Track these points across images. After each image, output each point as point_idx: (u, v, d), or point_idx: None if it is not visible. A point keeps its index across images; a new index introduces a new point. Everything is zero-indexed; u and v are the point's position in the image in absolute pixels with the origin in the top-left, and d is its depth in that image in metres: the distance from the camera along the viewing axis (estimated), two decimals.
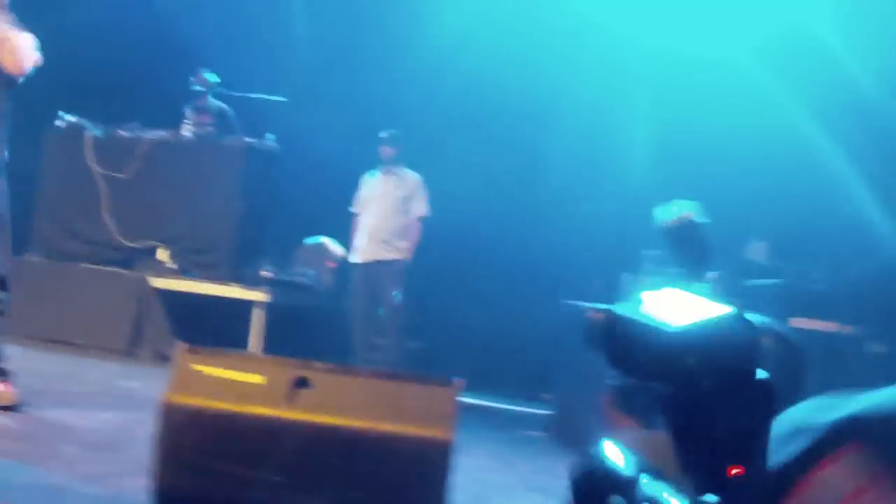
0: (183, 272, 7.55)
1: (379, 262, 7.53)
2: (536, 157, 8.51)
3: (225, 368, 2.75)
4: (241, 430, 2.68)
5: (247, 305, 7.24)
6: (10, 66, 4.44)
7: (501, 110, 8.37)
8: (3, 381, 4.55)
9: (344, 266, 7.81)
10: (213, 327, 7.01)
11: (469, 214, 8.02)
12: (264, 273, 7.40)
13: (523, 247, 8.25)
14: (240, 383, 2.75)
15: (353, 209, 7.78)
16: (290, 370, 2.76)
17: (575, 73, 8.06)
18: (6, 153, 4.75)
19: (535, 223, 8.34)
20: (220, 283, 7.36)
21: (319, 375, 2.79)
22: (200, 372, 2.75)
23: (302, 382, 2.75)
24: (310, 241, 8.10)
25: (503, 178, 8.35)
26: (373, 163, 7.76)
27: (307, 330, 7.36)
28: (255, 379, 2.75)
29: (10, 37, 4.36)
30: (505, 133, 8.53)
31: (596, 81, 8.01)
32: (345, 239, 7.86)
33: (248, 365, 2.81)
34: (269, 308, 7.21)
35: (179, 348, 2.91)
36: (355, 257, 7.66)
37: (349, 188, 7.86)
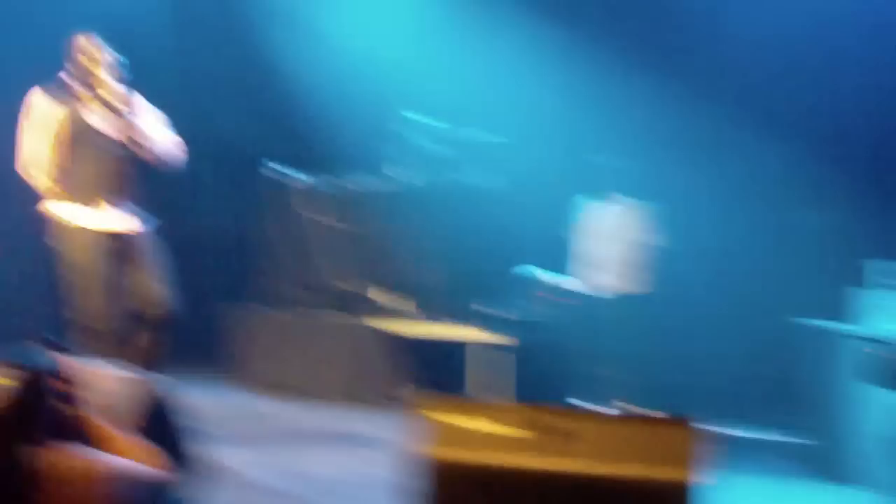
0: (399, 313, 7.64)
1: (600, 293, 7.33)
2: None
3: (478, 418, 2.71)
4: (514, 484, 2.64)
5: (462, 344, 7.23)
6: (144, 155, 4.80)
7: None
8: None
9: (559, 297, 7.67)
10: (430, 367, 7.03)
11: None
12: (480, 309, 7.38)
13: (729, 261, 7.94)
14: (502, 435, 2.70)
15: (569, 236, 7.55)
16: (545, 418, 2.69)
17: None
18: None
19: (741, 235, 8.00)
20: (436, 323, 7.40)
21: (577, 423, 2.71)
22: (456, 424, 2.72)
23: (561, 431, 2.68)
24: (522, 271, 8.02)
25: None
26: (582, 189, 7.53)
27: (527, 367, 7.27)
28: (515, 429, 2.70)
29: (133, 125, 4.72)
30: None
31: None
32: (555, 268, 7.70)
33: (502, 414, 2.75)
34: (487, 346, 7.18)
35: (415, 396, 2.89)
36: (577, 286, 7.45)
37: (556, 215, 7.69)
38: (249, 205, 8.28)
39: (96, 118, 4.77)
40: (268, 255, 8.19)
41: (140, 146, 4.79)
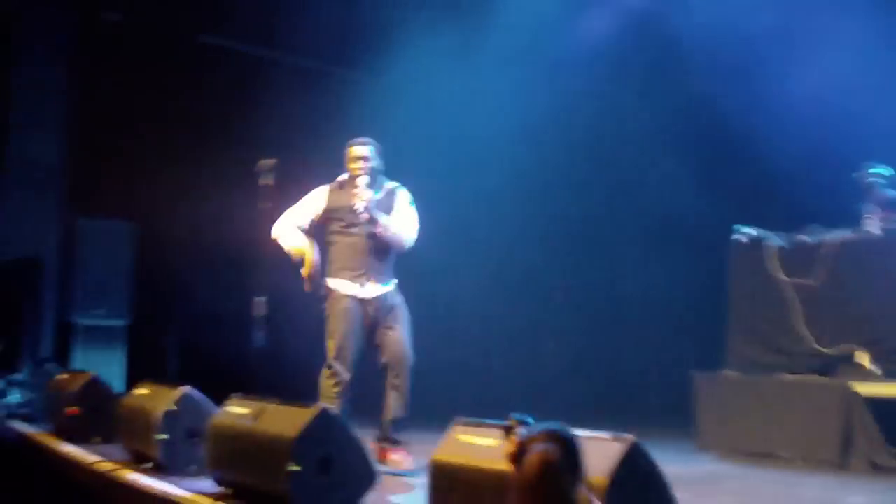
0: (889, 375, 7.09)
1: None
2: None
3: None
4: None
5: None
6: (396, 247, 6.18)
7: None
8: (398, 449, 6.01)
9: None
10: None
11: None
12: None
13: None
14: None
15: None
16: None
17: None
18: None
19: None
20: None
21: None
22: None
23: None
24: None
25: None
26: None
27: None
28: None
29: (388, 225, 6.06)
30: None
31: None
32: None
33: None
34: None
35: None
36: None
37: None
38: (721, 269, 8.17)
39: (354, 210, 6.07)
40: (742, 320, 8.01)
41: (381, 234, 6.08)
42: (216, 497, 4.83)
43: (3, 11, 9.90)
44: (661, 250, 10.43)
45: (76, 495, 6.12)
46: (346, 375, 6.03)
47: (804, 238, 7.76)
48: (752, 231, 8.02)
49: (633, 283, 11.38)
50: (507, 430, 2.72)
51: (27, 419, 8.02)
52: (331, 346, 6.08)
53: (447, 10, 9.57)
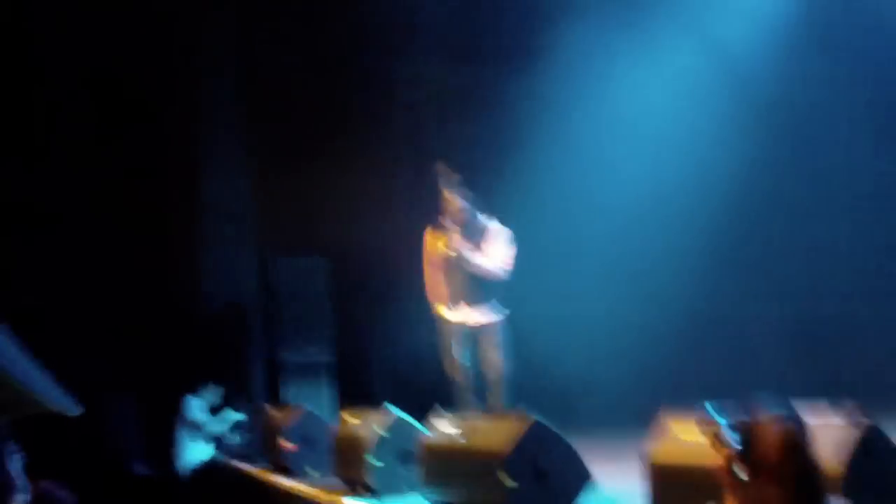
0: None
1: None
2: None
3: None
4: None
5: None
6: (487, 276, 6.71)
7: None
8: None
9: None
10: None
11: None
12: None
13: None
14: None
15: None
16: None
17: None
18: None
19: None
20: None
21: None
22: None
23: None
24: None
25: None
26: None
27: None
28: None
29: (469, 257, 6.66)
30: None
31: None
32: None
33: None
34: None
35: None
36: None
37: None
38: None
39: (452, 245, 6.71)
40: None
41: (470, 267, 6.70)
42: None
43: (181, 59, 10.37)
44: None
45: None
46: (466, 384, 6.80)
47: None
48: None
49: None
50: (706, 422, 2.62)
51: (246, 458, 8.28)
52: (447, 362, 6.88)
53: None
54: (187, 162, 10.50)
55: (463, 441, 4.76)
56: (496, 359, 6.71)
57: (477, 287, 6.74)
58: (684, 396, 3.97)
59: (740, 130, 10.50)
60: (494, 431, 4.60)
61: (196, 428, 9.40)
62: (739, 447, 2.45)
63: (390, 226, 10.38)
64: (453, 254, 6.69)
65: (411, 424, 5.73)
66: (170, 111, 10.42)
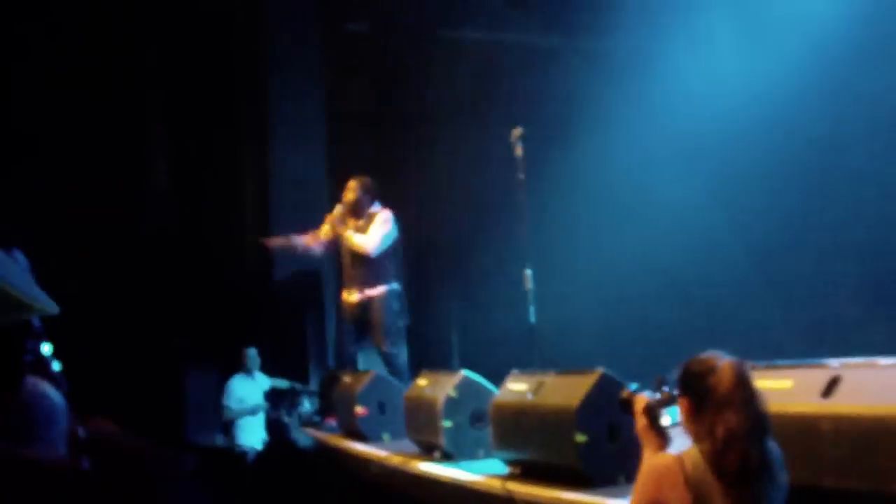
0: None
1: None
2: None
3: None
4: None
5: None
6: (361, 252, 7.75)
7: None
8: None
9: None
10: None
11: None
12: None
13: None
14: None
15: None
16: None
17: None
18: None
19: None
20: None
21: None
22: None
23: None
24: None
25: None
26: None
27: None
28: None
29: (347, 236, 7.81)
30: None
31: None
32: None
33: None
34: None
35: None
36: None
37: None
38: None
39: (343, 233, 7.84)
40: None
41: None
42: (506, 478, 4.67)
43: (254, 29, 10.36)
44: None
45: (371, 492, 6.17)
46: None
47: None
48: None
49: None
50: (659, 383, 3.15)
51: (318, 425, 8.24)
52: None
53: None
54: (261, 133, 10.48)
55: (532, 398, 4.61)
56: (383, 336, 7.74)
57: (363, 268, 7.72)
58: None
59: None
60: (564, 386, 4.43)
61: (268, 399, 9.43)
62: (679, 392, 2.95)
63: (460, 192, 10.25)
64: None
65: (481, 385, 5.60)
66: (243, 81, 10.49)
